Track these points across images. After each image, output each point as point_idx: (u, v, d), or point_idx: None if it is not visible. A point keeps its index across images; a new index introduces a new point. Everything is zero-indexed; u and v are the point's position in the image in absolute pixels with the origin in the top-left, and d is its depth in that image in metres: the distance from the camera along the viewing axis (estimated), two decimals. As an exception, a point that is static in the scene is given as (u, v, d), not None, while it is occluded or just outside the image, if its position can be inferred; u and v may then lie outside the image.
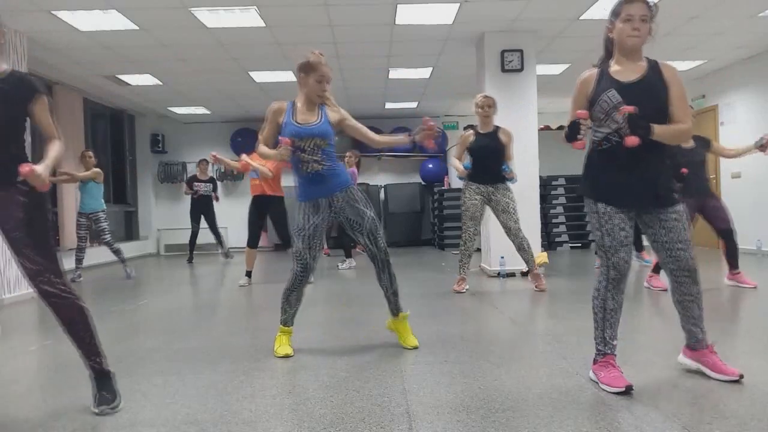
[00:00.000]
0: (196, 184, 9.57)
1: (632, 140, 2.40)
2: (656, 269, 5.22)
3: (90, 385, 2.49)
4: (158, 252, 12.03)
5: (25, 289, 5.82)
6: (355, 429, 2.18)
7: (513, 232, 5.21)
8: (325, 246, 9.80)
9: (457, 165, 5.36)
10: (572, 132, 2.49)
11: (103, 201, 7.39)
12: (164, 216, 12.24)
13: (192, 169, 12.13)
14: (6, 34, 2.48)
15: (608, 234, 2.53)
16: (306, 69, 3.31)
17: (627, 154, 2.47)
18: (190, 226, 9.76)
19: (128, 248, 7.65)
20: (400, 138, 3.47)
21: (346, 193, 3.26)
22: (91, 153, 7.50)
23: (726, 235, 5.15)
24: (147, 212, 12.02)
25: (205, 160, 10.01)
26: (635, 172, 2.50)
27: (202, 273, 8.32)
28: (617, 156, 2.51)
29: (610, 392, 2.47)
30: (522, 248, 5.27)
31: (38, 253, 2.33)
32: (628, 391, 2.43)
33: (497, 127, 5.29)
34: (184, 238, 11.78)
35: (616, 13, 2.52)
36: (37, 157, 2.42)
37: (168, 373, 3.01)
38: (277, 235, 6.67)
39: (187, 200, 12.09)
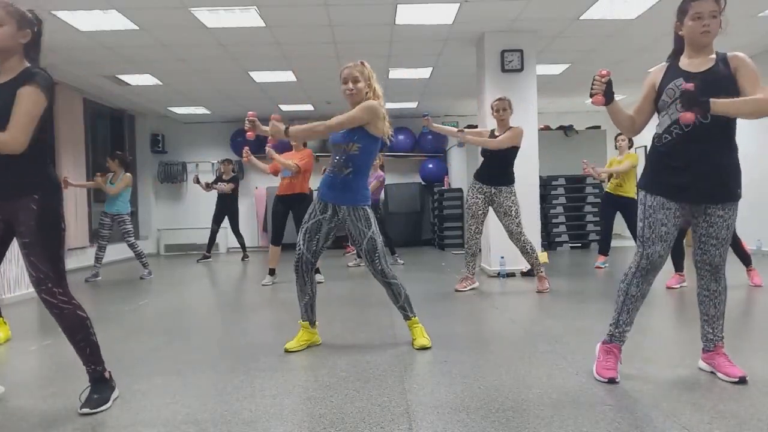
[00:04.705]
0: (220, 183, 9.52)
1: (687, 117, 2.34)
2: (678, 267, 5.25)
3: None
4: (158, 252, 12.02)
5: (25, 289, 5.81)
6: (355, 429, 2.18)
7: (515, 236, 5.21)
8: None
9: (443, 128, 5.70)
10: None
11: (129, 204, 7.38)
12: (164, 216, 12.24)
13: (192, 169, 12.14)
14: (29, 35, 2.40)
15: (649, 226, 2.58)
16: (339, 80, 3.39)
17: (685, 148, 2.48)
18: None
19: (126, 248, 7.62)
20: None
21: (353, 210, 3.32)
22: (109, 158, 7.52)
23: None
24: (147, 212, 12.03)
25: (228, 159, 9.98)
26: (692, 168, 2.50)
27: (203, 273, 8.32)
28: (675, 150, 2.52)
29: (597, 379, 2.62)
30: (525, 252, 5.28)
31: (44, 262, 2.35)
32: (611, 383, 2.57)
33: (510, 128, 5.25)
34: (184, 238, 11.87)
35: (683, 11, 2.54)
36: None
37: (168, 373, 3.01)
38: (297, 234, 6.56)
39: (188, 200, 12.18)
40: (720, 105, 2.34)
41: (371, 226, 3.31)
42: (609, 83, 2.54)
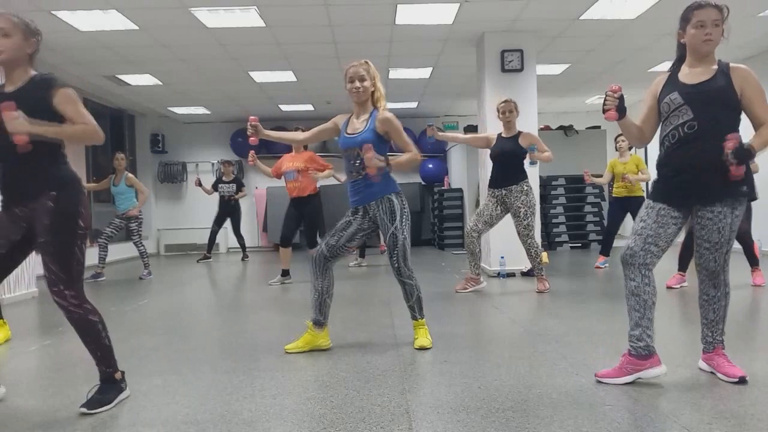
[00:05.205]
0: (220, 186, 9.53)
1: (740, 171, 2.44)
2: (682, 267, 5.25)
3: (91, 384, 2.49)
4: (158, 252, 12.02)
5: (25, 289, 5.82)
6: (355, 429, 2.18)
7: (521, 237, 5.22)
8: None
9: (448, 135, 5.78)
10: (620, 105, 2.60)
11: (135, 201, 7.42)
12: (164, 216, 12.25)
13: (192, 169, 12.16)
14: (35, 44, 2.44)
15: (636, 222, 2.67)
16: (344, 79, 3.37)
17: (676, 155, 2.53)
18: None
19: (128, 248, 7.65)
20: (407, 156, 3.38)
21: (380, 203, 3.32)
22: (122, 155, 7.55)
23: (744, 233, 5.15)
24: (147, 212, 11.97)
25: (228, 161, 9.97)
26: (682, 171, 2.53)
27: (203, 273, 8.32)
28: (670, 159, 2.57)
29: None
30: (528, 254, 5.29)
31: (55, 263, 2.35)
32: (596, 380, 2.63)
33: (519, 132, 5.27)
34: (184, 238, 11.87)
35: (686, 19, 2.55)
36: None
37: (168, 373, 3.01)
38: (305, 234, 6.56)
39: (188, 201, 12.18)
40: (759, 147, 2.47)
41: (395, 221, 3.30)
42: (621, 98, 2.56)
